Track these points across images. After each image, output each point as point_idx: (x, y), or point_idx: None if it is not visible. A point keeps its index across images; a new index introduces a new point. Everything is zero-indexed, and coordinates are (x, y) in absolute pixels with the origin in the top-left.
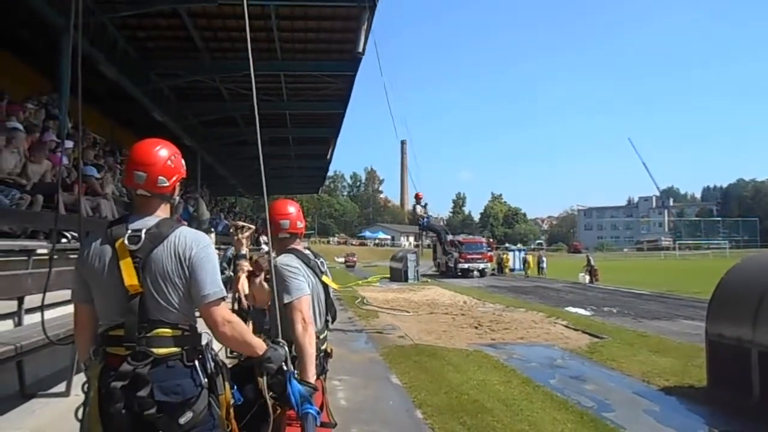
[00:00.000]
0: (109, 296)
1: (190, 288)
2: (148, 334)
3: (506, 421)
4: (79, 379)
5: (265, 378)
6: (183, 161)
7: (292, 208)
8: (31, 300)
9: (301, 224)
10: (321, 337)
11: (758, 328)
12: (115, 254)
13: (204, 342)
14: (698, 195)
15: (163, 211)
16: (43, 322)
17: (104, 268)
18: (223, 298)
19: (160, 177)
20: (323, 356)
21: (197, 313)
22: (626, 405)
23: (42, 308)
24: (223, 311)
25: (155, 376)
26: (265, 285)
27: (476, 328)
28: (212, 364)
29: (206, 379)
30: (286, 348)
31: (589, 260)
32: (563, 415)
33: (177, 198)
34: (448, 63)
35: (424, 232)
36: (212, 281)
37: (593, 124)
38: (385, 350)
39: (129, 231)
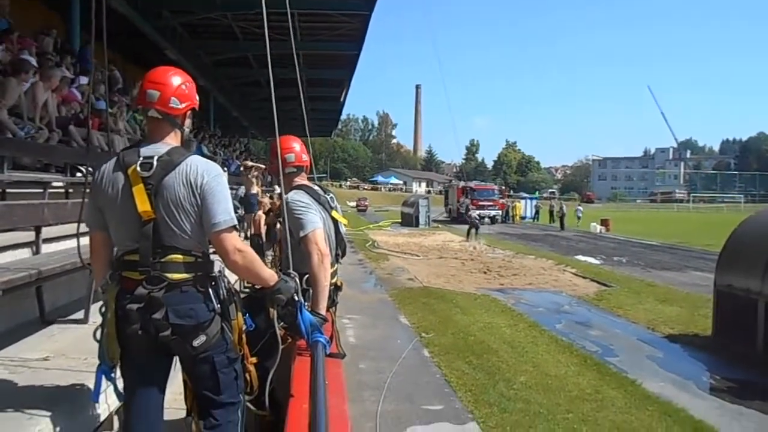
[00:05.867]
0: (124, 222)
1: (201, 216)
2: (162, 260)
3: (511, 361)
4: (96, 307)
5: (276, 308)
6: (197, 95)
7: (296, 143)
8: (48, 231)
9: (305, 157)
10: (331, 270)
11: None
12: (127, 181)
13: (217, 269)
14: (717, 148)
15: (174, 140)
16: (78, 246)
17: (117, 194)
18: (234, 227)
19: (172, 97)
20: (333, 289)
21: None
22: (630, 351)
23: (78, 235)
24: (234, 240)
25: (169, 300)
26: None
27: (485, 273)
28: (225, 290)
29: (219, 305)
30: (297, 280)
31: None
32: (567, 358)
33: (188, 130)
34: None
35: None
36: (224, 209)
37: (612, 72)
38: (394, 292)
39: (141, 158)
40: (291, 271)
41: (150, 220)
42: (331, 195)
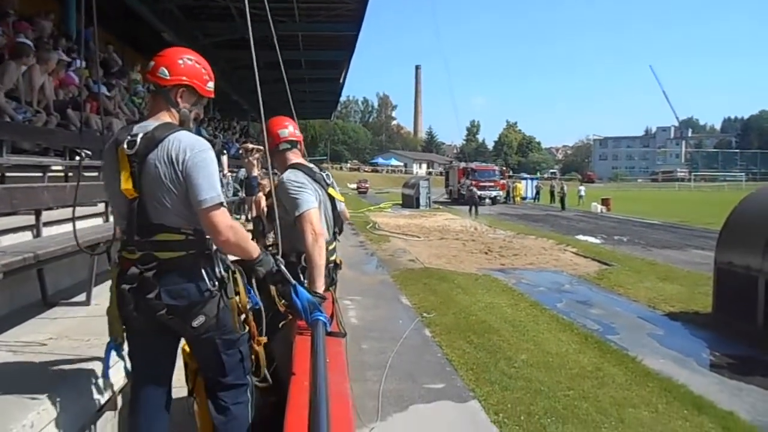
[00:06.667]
0: (116, 200)
1: (187, 193)
2: (152, 239)
3: (512, 340)
4: (98, 290)
5: (275, 285)
6: (204, 76)
7: (288, 122)
8: (49, 214)
9: (298, 133)
10: (329, 248)
11: None
12: (116, 159)
13: (214, 247)
14: (718, 126)
15: (168, 118)
16: (75, 230)
17: (110, 172)
18: (222, 204)
19: (161, 67)
20: (333, 267)
21: None
22: (631, 328)
23: (73, 219)
24: (223, 216)
25: (162, 280)
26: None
27: (486, 253)
28: (222, 268)
29: (216, 284)
30: (272, 256)
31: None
32: (568, 336)
33: (185, 110)
34: None
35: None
36: (209, 186)
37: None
38: (396, 273)
39: (128, 137)
40: (269, 246)
41: (134, 198)
42: (327, 173)
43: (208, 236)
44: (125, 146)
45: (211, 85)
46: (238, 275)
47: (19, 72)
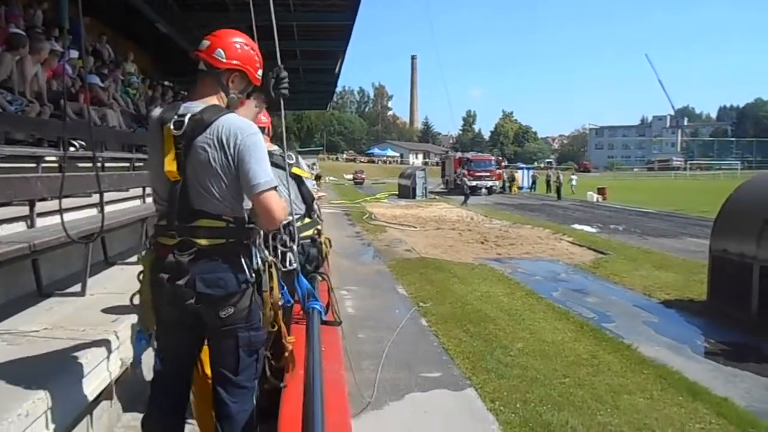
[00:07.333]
0: (158, 180)
1: (240, 178)
2: (192, 224)
3: (508, 329)
4: (93, 281)
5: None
6: (256, 63)
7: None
8: (43, 205)
9: (265, 119)
10: (301, 224)
11: (762, 244)
12: (161, 138)
13: (254, 238)
14: (714, 115)
15: (216, 101)
16: (63, 222)
17: (154, 152)
18: (275, 187)
19: (219, 48)
20: (309, 243)
21: (247, 205)
22: (626, 316)
23: (60, 211)
24: (277, 199)
25: (198, 267)
26: None
27: (482, 243)
28: (260, 261)
29: (252, 276)
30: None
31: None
32: (564, 324)
33: (233, 95)
34: None
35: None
36: (263, 170)
37: (610, 38)
38: (392, 263)
39: (176, 116)
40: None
41: (176, 181)
42: (290, 153)
43: (251, 223)
44: (172, 126)
45: (260, 73)
46: (274, 269)
47: (13, 63)
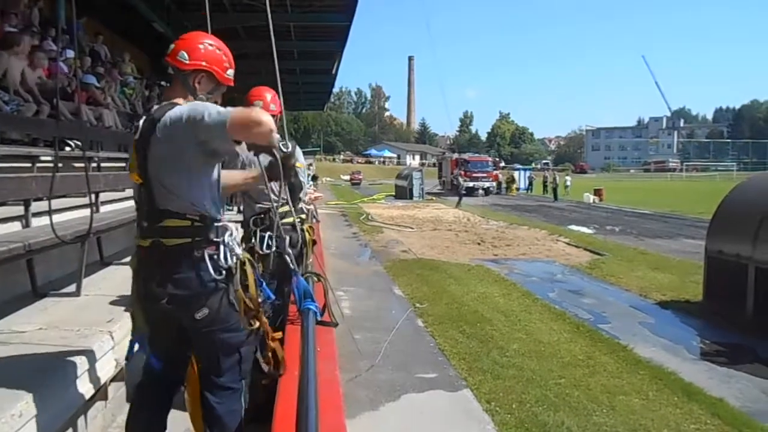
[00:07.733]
0: (133, 185)
1: (195, 134)
2: (160, 225)
3: (504, 330)
4: (88, 281)
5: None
6: (224, 63)
7: (268, 93)
8: (38, 205)
9: (273, 107)
10: (282, 210)
11: (758, 245)
12: (132, 145)
13: (224, 236)
14: (710, 116)
15: (183, 102)
16: (51, 223)
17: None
18: (228, 112)
19: (182, 51)
20: (290, 228)
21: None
22: (622, 317)
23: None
24: (246, 110)
25: (166, 268)
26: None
27: (479, 244)
28: (230, 259)
29: (221, 275)
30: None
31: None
32: (560, 325)
33: (202, 96)
34: None
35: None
36: (207, 108)
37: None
38: (389, 264)
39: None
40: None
41: (141, 184)
42: (286, 143)
43: (225, 224)
44: (133, 132)
45: (230, 72)
46: (248, 267)
47: (9, 62)
